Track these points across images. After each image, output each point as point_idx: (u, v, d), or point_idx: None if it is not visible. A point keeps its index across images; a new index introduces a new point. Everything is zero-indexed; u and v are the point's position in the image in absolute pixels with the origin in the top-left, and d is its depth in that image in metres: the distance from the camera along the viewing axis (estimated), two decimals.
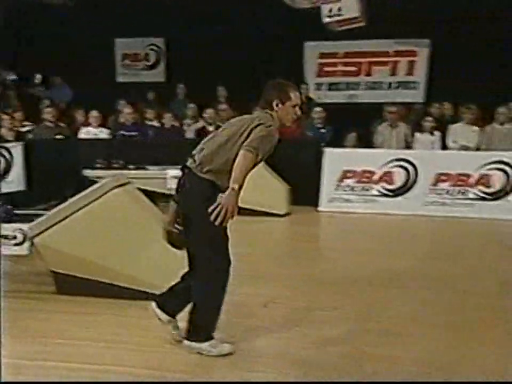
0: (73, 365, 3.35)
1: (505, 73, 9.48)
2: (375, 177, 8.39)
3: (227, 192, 3.10)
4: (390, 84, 11.05)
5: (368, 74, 11.11)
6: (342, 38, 10.58)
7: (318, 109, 9.34)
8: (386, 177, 8.38)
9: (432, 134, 8.78)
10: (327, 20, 8.62)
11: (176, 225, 3.48)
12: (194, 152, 3.43)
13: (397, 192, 8.33)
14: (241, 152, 3.13)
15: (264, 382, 2.98)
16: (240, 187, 3.11)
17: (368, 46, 10.91)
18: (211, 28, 10.59)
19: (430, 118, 8.90)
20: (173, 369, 3.34)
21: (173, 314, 3.62)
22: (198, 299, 3.42)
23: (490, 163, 8.06)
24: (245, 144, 3.16)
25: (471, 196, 8.06)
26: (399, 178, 8.34)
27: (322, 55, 11.23)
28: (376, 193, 8.39)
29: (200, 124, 9.47)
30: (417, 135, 8.83)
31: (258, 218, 7.63)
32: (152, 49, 12.17)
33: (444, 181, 8.17)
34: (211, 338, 3.47)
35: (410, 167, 8.33)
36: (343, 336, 3.83)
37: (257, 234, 7.19)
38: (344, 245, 6.71)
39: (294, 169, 8.30)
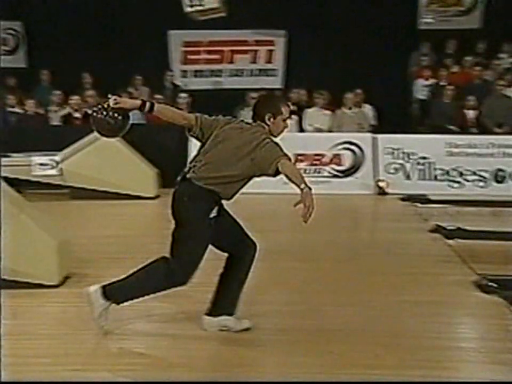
0: None
1: (352, 62, 10.14)
2: None
3: (306, 192, 3.12)
4: (251, 71, 11.35)
5: (231, 62, 11.34)
6: (205, 27, 10.72)
7: (183, 95, 9.42)
8: None
9: (289, 117, 9.16)
10: (188, 9, 8.67)
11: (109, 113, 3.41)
12: (193, 163, 3.42)
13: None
14: (281, 168, 3.21)
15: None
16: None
17: (230, 35, 11.13)
18: (74, 12, 10.25)
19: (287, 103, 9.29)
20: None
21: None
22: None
23: (340, 143, 8.64)
24: (274, 161, 3.22)
25: (325, 174, 8.60)
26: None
27: (187, 43, 11.28)
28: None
29: (66, 110, 9.18)
30: None
31: (128, 201, 7.61)
32: (10, 34, 11.47)
33: (301, 160, 8.62)
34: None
35: None
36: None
37: (128, 217, 7.17)
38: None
39: (161, 153, 8.35)
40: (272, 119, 3.44)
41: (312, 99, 9.41)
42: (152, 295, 3.52)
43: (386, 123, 9.21)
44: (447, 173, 8.56)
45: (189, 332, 3.59)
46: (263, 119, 3.45)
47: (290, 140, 8.75)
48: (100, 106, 3.48)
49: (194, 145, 8.57)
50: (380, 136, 8.75)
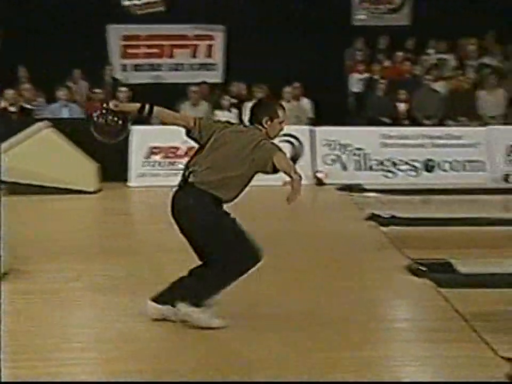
0: None
1: (290, 57, 10.18)
2: (180, 152, 8.56)
3: (295, 180, 3.13)
4: (191, 65, 11.23)
5: (171, 56, 11.18)
6: (144, 21, 10.55)
7: (123, 89, 9.22)
8: (191, 152, 8.56)
9: (230, 111, 9.16)
10: (126, 3, 8.50)
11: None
12: (193, 168, 3.39)
13: None
14: (276, 161, 3.21)
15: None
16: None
17: (169, 30, 10.97)
18: (10, 3, 9.84)
19: (227, 97, 9.27)
20: None
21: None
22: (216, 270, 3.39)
23: (279, 136, 8.66)
24: (269, 158, 3.23)
25: None
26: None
27: (126, 38, 11.02)
28: (183, 167, 8.56)
29: (2, 104, 8.83)
30: (217, 112, 9.15)
31: (68, 196, 7.40)
32: None
33: None
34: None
35: None
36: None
37: (68, 211, 6.98)
38: (155, 217, 6.77)
39: (102, 147, 8.11)
40: (269, 122, 3.47)
41: (252, 93, 9.41)
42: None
43: (323, 116, 9.32)
44: (382, 163, 8.75)
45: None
46: (260, 122, 3.47)
47: None
48: (99, 111, 3.46)
49: (136, 138, 8.57)
50: (317, 128, 8.84)
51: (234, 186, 3.40)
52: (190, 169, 3.42)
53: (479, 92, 9.29)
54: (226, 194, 3.38)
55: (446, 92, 9.42)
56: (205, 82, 9.88)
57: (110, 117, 3.42)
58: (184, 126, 3.53)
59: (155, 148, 8.51)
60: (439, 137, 8.76)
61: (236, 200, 3.46)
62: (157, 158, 8.50)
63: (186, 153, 8.52)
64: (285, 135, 8.65)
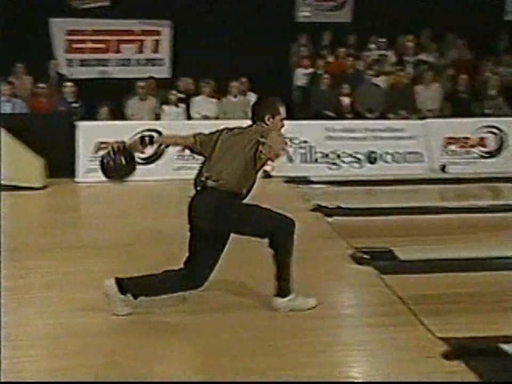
0: None
1: (236, 52, 10.21)
2: None
3: (270, 136, 3.27)
4: (138, 60, 11.10)
5: (117, 51, 11.02)
6: (89, 16, 10.35)
7: (68, 84, 9.06)
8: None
9: (177, 106, 9.13)
10: None
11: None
12: (208, 174, 3.49)
13: (149, 160, 8.54)
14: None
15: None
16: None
17: (115, 24, 10.80)
18: None
19: (174, 92, 9.23)
20: None
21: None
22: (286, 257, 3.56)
23: None
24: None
25: None
26: (151, 147, 8.53)
27: (70, 32, 10.78)
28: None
29: None
30: (165, 107, 9.11)
31: (14, 192, 7.22)
32: None
33: None
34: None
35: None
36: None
37: (15, 207, 6.80)
38: (103, 212, 6.72)
39: (48, 143, 7.97)
40: (271, 119, 3.57)
41: (199, 88, 9.40)
42: None
43: None
44: (327, 155, 8.92)
45: None
46: (262, 120, 3.57)
47: (178, 128, 8.77)
48: (106, 153, 3.57)
49: (83, 134, 8.43)
50: None
51: (248, 181, 3.52)
52: (206, 175, 3.50)
53: (417, 86, 9.60)
54: (243, 188, 3.50)
55: (386, 86, 9.69)
56: (152, 77, 9.80)
57: (118, 158, 3.53)
58: (186, 146, 3.76)
59: (102, 143, 8.39)
60: (381, 130, 9.00)
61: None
62: None
63: None
64: None
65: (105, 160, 3.56)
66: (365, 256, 4.60)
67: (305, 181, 8.14)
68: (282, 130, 3.65)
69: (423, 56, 10.32)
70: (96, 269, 4.40)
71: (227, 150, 3.51)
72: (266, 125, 3.55)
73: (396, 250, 4.72)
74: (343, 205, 6.44)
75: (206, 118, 9.05)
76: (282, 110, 3.65)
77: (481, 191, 8.10)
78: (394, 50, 10.45)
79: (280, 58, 10.45)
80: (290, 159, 8.79)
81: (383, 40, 10.38)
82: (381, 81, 9.70)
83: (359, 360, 3.17)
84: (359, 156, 8.91)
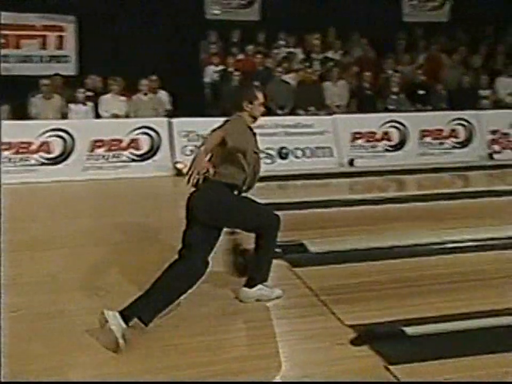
0: None
1: (146, 49, 10.03)
2: (33, 147, 8.14)
3: (197, 154, 3.48)
4: (41, 57, 10.63)
5: (17, 47, 10.49)
6: None
7: None
8: (44, 146, 8.20)
9: (85, 104, 8.84)
10: None
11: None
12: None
13: (56, 160, 8.23)
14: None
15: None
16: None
17: (14, 19, 10.26)
18: None
19: (82, 90, 8.93)
20: None
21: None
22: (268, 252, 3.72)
23: (137, 128, 8.56)
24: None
25: (124, 158, 8.46)
26: (57, 147, 8.25)
27: None
28: (36, 162, 8.16)
29: None
30: (72, 106, 8.80)
31: None
32: None
33: (99, 146, 8.37)
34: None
35: (67, 136, 8.29)
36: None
37: None
38: (15, 214, 6.38)
39: None
40: (250, 105, 3.70)
41: (107, 86, 9.15)
42: None
43: (181, 108, 9.33)
44: None
45: None
46: (241, 108, 3.69)
47: (87, 126, 8.52)
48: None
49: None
50: (175, 120, 8.84)
51: (237, 174, 3.62)
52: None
53: (325, 83, 9.86)
54: (236, 181, 3.61)
55: (295, 83, 9.87)
56: (58, 75, 9.43)
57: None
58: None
59: (4, 143, 7.99)
60: (291, 126, 9.17)
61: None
62: (7, 153, 7.99)
63: (39, 147, 8.16)
64: (142, 127, 8.62)
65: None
66: (277, 250, 4.64)
67: None
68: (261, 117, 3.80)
69: (329, 54, 10.61)
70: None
71: (217, 146, 3.60)
72: (247, 111, 3.68)
73: (307, 243, 4.82)
74: (256, 200, 6.48)
75: (115, 116, 8.83)
76: (260, 95, 3.75)
77: (386, 183, 8.45)
78: (302, 48, 10.67)
79: (190, 56, 10.39)
80: None
81: (291, 38, 10.56)
82: (290, 78, 9.86)
83: (273, 352, 3.20)
84: (270, 151, 9.02)
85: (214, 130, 3.71)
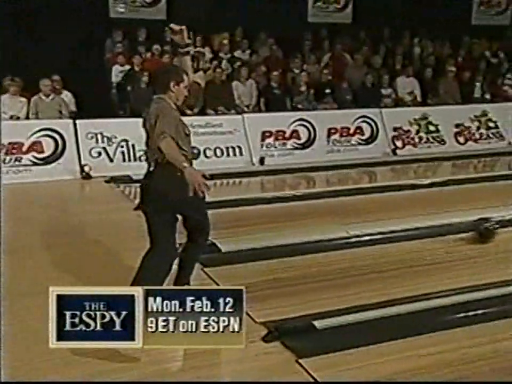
0: None
1: (47, 49, 9.63)
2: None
3: (187, 173, 3.22)
4: None
5: None
6: None
7: None
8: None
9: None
10: None
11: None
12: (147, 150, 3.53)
13: None
14: (162, 146, 3.33)
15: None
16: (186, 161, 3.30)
17: None
18: None
19: None
20: None
21: None
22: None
23: (40, 130, 8.19)
24: (156, 134, 3.32)
25: (25, 162, 8.07)
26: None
27: None
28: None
29: None
30: None
31: None
32: None
33: None
34: None
35: None
36: None
37: None
38: None
39: None
40: (176, 86, 3.51)
41: (3, 87, 8.66)
42: None
43: (86, 109, 9.01)
44: (147, 153, 8.75)
45: None
46: (167, 87, 3.50)
47: None
48: None
49: None
50: (80, 121, 8.52)
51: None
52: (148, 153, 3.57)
53: (234, 82, 9.89)
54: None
55: (204, 83, 9.81)
56: None
57: None
58: None
59: None
60: (201, 126, 9.10)
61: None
62: None
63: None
64: (45, 129, 8.24)
65: None
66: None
67: (127, 179, 7.93)
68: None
69: (237, 54, 10.65)
70: None
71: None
72: (173, 92, 3.51)
73: (218, 243, 4.80)
74: None
75: (15, 118, 8.38)
76: (186, 77, 3.60)
77: (296, 180, 8.60)
78: (210, 47, 10.64)
79: (95, 55, 10.10)
80: (111, 159, 8.50)
81: (199, 37, 10.50)
82: (198, 77, 9.79)
83: (189, 353, 3.15)
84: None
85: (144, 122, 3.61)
